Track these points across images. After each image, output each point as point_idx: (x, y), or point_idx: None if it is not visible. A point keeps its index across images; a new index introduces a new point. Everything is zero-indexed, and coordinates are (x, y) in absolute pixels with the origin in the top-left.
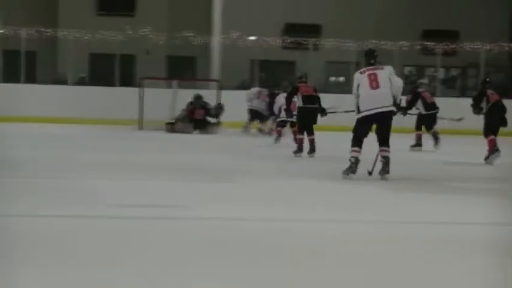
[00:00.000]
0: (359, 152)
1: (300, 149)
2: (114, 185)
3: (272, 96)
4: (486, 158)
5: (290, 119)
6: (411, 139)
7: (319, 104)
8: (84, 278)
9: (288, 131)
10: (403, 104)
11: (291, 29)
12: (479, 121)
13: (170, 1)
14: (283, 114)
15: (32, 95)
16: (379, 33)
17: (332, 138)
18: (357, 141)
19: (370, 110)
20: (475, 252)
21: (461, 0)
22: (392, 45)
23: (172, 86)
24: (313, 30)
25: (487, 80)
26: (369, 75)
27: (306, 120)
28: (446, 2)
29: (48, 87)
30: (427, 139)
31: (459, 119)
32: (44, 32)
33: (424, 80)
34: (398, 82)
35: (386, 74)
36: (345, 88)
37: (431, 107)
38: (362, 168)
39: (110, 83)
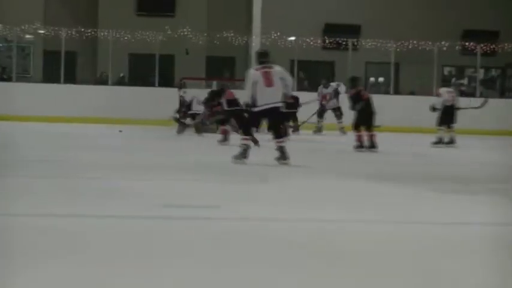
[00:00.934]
0: (249, 139)
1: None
2: (146, 185)
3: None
4: None
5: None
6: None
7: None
8: (119, 277)
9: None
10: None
11: (330, 29)
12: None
13: (210, 1)
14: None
15: (71, 96)
16: (419, 33)
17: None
18: (248, 130)
19: (264, 105)
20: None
21: (502, 0)
22: (431, 46)
23: (212, 86)
24: (353, 30)
25: None
26: (263, 73)
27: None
28: (486, 2)
29: (87, 88)
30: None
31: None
32: (84, 32)
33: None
34: (289, 81)
35: (278, 74)
36: (385, 89)
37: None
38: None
39: (149, 83)
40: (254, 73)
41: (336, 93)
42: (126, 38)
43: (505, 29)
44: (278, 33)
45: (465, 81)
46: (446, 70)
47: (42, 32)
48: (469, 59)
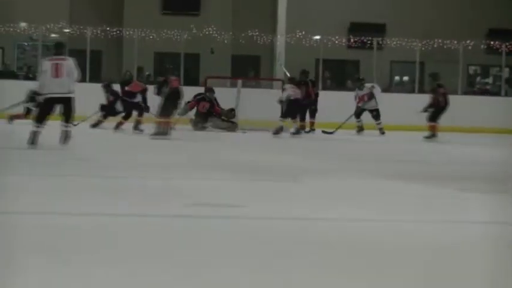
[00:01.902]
0: (40, 126)
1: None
2: (171, 184)
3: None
4: None
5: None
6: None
7: None
8: (150, 275)
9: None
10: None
11: (355, 28)
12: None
13: (235, 0)
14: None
15: (96, 94)
16: (444, 32)
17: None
18: (41, 118)
19: (54, 93)
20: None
21: None
22: (457, 44)
23: (237, 85)
24: (378, 29)
25: None
26: (54, 64)
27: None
28: (511, 1)
29: (113, 86)
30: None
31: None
32: (109, 31)
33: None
34: (76, 74)
35: (70, 66)
36: (410, 88)
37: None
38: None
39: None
40: (45, 63)
41: (371, 95)
42: (151, 36)
43: None
44: (303, 32)
45: (490, 80)
46: (471, 69)
47: (67, 31)
48: (494, 58)
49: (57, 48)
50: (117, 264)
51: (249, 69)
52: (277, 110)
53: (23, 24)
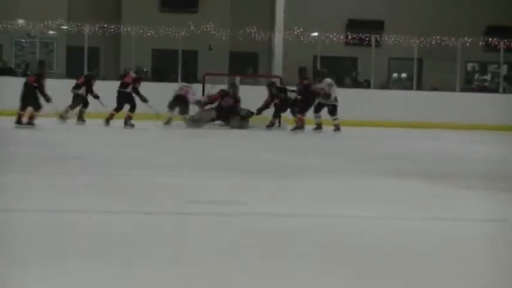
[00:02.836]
0: None
1: None
2: (171, 182)
3: None
4: None
5: None
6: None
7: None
8: (149, 273)
9: None
10: None
11: (353, 25)
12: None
13: None
14: None
15: (94, 91)
16: (442, 29)
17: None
18: None
19: None
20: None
21: None
22: (455, 41)
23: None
24: (376, 26)
25: None
26: None
27: None
28: None
29: (110, 83)
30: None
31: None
32: (107, 28)
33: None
34: None
35: None
36: (408, 85)
37: None
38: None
39: (172, 79)
40: None
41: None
42: (149, 33)
43: None
44: (301, 29)
45: (488, 77)
46: (469, 66)
47: (65, 27)
48: (492, 55)
49: None
50: (114, 261)
51: (247, 66)
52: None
53: (20, 21)
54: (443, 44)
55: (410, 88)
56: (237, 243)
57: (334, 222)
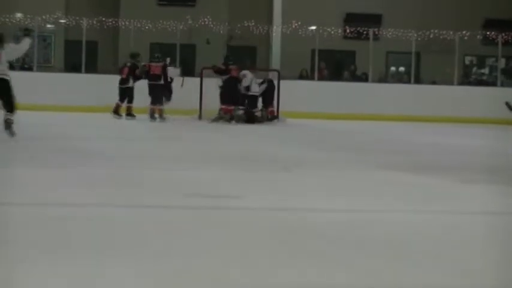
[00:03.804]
0: None
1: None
2: (169, 175)
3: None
4: None
5: None
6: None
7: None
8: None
9: None
10: None
11: (351, 18)
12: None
13: None
14: None
15: (92, 85)
16: (440, 23)
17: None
18: None
19: None
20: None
21: None
22: (453, 35)
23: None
24: (374, 19)
25: None
26: None
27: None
28: None
29: (108, 77)
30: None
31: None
32: (105, 22)
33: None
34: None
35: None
36: (406, 78)
37: None
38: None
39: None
40: None
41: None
42: (147, 27)
43: None
44: (299, 23)
45: (486, 70)
46: (467, 59)
47: (63, 21)
48: (490, 48)
49: None
50: (117, 254)
51: (245, 59)
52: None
53: (19, 15)
54: (441, 37)
55: (408, 82)
56: (237, 236)
57: (333, 215)
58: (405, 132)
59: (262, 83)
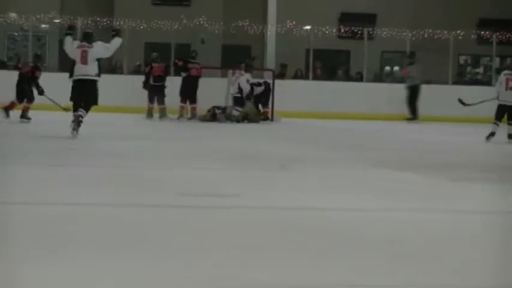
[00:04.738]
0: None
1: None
2: (164, 173)
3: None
4: None
5: None
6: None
7: None
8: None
9: None
10: None
11: (346, 18)
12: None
13: None
14: None
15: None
16: (435, 22)
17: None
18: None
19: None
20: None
21: None
22: (447, 34)
23: (228, 75)
24: (368, 19)
25: None
26: (82, 51)
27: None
28: None
29: (102, 76)
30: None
31: None
32: (100, 21)
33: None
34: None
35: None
36: (401, 78)
37: None
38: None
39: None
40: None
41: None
42: (142, 27)
43: None
44: (294, 22)
45: (480, 70)
46: (462, 59)
47: (58, 21)
48: (485, 48)
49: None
50: (111, 253)
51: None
52: None
53: (13, 15)
54: (435, 37)
55: (403, 81)
56: (236, 236)
57: (329, 213)
58: (400, 131)
59: (259, 84)
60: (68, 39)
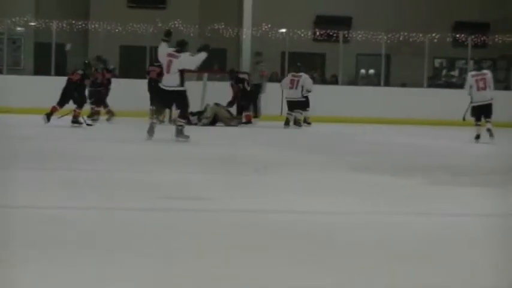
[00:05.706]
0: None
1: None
2: (146, 177)
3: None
4: None
5: None
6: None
7: None
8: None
9: None
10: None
11: (321, 21)
12: None
13: None
14: None
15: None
16: (410, 25)
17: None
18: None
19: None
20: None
21: None
22: (422, 37)
23: (202, 78)
24: (344, 22)
25: None
26: (168, 60)
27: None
28: None
29: None
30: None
31: None
32: (75, 24)
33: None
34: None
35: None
36: (376, 81)
37: None
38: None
39: (140, 76)
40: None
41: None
42: (117, 30)
43: (495, 20)
44: (269, 25)
45: (456, 72)
46: (437, 62)
47: (33, 24)
48: (460, 51)
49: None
50: (106, 256)
51: (215, 62)
52: None
53: None
54: (411, 40)
55: (378, 84)
56: (215, 240)
57: (311, 217)
58: (375, 134)
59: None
60: (163, 45)
